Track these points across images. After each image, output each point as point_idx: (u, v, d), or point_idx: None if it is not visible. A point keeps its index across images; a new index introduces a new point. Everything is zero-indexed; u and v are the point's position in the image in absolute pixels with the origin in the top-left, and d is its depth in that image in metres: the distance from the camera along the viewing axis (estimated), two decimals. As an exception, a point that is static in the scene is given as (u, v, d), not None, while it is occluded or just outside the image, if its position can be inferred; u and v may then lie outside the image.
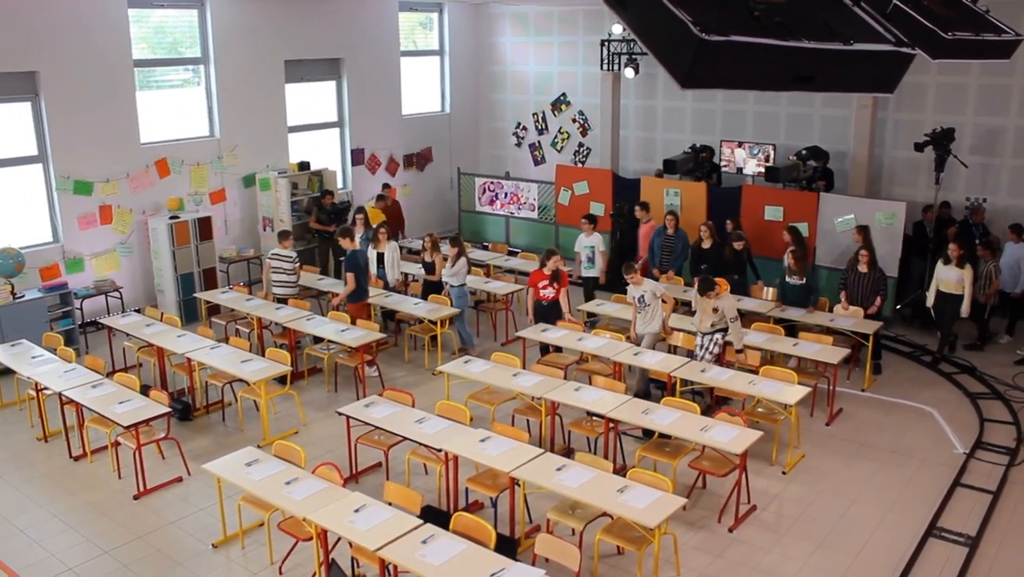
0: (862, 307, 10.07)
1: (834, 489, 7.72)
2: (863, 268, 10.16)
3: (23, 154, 11.25)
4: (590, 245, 11.56)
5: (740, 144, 13.67)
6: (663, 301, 9.36)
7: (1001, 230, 11.79)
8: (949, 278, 10.18)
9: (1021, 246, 10.77)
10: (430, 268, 11.06)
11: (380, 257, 11.33)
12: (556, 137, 16.55)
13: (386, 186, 13.81)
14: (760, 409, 8.39)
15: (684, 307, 10.77)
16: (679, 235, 11.73)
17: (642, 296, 9.26)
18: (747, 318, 10.27)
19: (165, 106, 12.69)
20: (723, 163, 13.90)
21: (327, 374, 10.19)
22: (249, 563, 6.70)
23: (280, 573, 6.55)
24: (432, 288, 11.06)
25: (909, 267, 11.52)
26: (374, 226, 11.79)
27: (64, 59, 11.25)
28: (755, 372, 8.51)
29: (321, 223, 13.20)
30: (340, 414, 7.74)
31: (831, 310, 10.26)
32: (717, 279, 9.03)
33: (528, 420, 8.52)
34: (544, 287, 9.90)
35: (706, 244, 11.33)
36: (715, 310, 8.81)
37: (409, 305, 10.73)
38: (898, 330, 11.30)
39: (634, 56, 14.31)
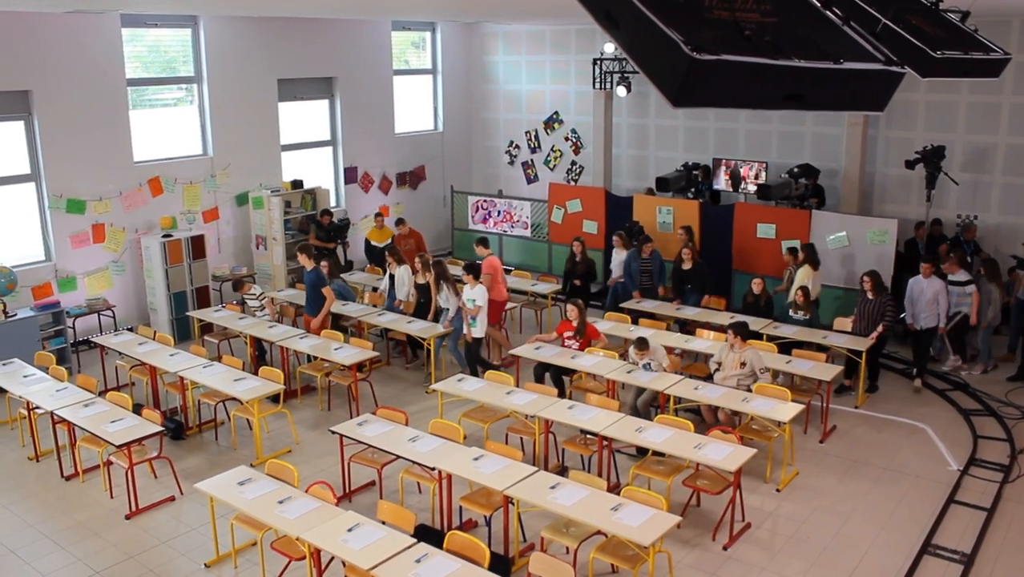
0: (866, 336, 9.79)
1: (828, 506, 7.72)
2: (870, 295, 9.94)
3: (16, 172, 11.26)
4: (470, 298, 10.22)
5: (739, 163, 13.66)
6: (665, 369, 8.97)
7: (992, 247, 11.87)
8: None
9: (934, 280, 9.98)
10: (424, 290, 11.02)
11: (392, 278, 11.45)
12: (549, 155, 16.60)
13: (400, 221, 13.38)
14: (754, 426, 8.39)
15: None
16: (654, 257, 11.75)
17: (648, 363, 8.94)
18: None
19: (158, 125, 12.71)
20: (725, 183, 13.85)
21: (320, 392, 10.17)
22: (241, 583, 6.67)
23: (273, 593, 6.52)
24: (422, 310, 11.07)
25: (901, 284, 11.55)
26: (384, 244, 11.95)
27: (58, 78, 11.27)
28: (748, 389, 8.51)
29: (320, 240, 13.31)
30: (333, 433, 7.72)
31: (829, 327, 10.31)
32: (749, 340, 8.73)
33: (522, 438, 8.51)
34: (568, 338, 9.66)
35: (686, 265, 11.36)
36: (742, 364, 8.52)
37: (402, 323, 10.71)
38: (891, 347, 11.30)
39: (626, 75, 14.39)
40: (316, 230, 13.36)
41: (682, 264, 11.41)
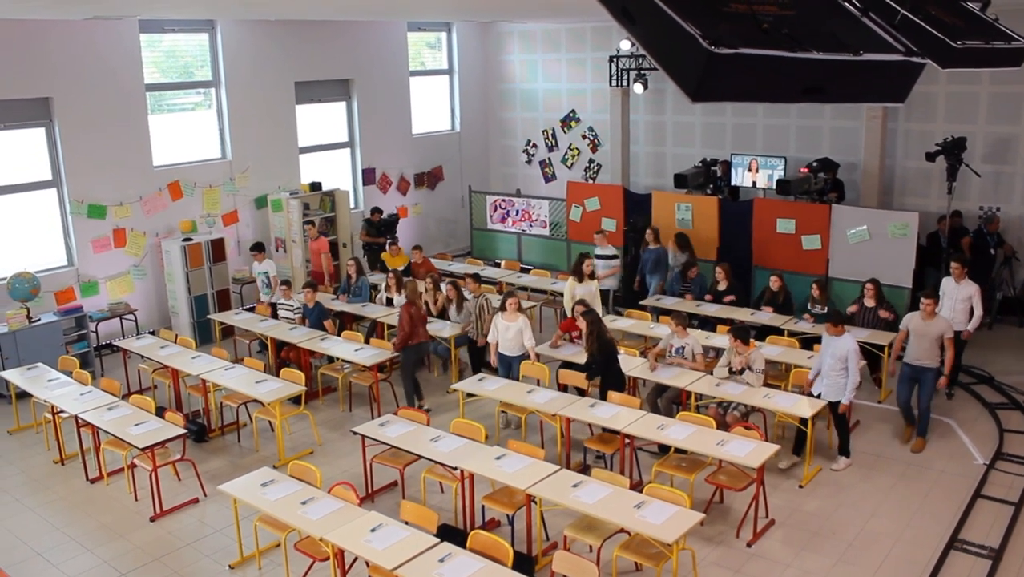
0: None
1: (852, 502, 7.66)
2: (868, 302, 9.83)
3: (38, 179, 11.36)
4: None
5: (750, 168, 13.59)
6: (694, 359, 8.94)
7: (1017, 239, 11.74)
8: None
9: (846, 339, 8.07)
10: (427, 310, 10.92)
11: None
12: (566, 154, 16.58)
13: (417, 248, 12.88)
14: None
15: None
16: (697, 280, 11.37)
17: (682, 348, 8.91)
18: (760, 331, 10.25)
19: (177, 129, 12.79)
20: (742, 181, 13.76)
21: (341, 393, 10.20)
22: (266, 584, 6.70)
23: (297, 594, 6.54)
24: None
25: (924, 278, 11.46)
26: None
27: (77, 85, 11.36)
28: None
29: (371, 236, 13.85)
30: (355, 433, 7.74)
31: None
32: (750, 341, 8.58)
33: (543, 436, 8.49)
34: (576, 337, 9.63)
35: (721, 286, 11.03)
36: (740, 372, 8.37)
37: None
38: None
39: (643, 71, 14.35)
40: (367, 227, 13.91)
41: (717, 285, 11.09)
